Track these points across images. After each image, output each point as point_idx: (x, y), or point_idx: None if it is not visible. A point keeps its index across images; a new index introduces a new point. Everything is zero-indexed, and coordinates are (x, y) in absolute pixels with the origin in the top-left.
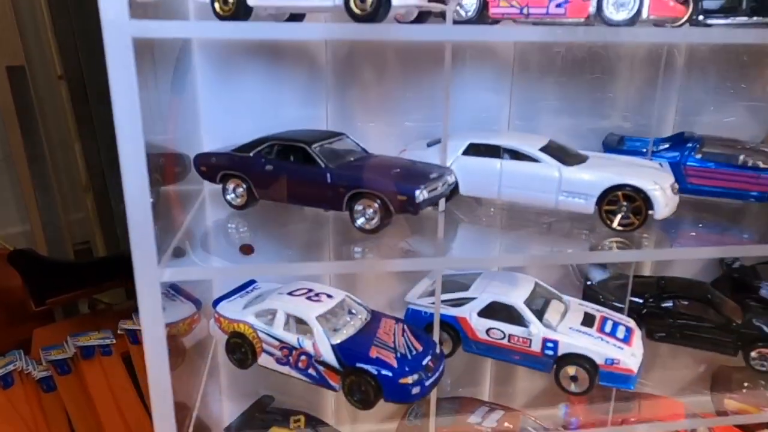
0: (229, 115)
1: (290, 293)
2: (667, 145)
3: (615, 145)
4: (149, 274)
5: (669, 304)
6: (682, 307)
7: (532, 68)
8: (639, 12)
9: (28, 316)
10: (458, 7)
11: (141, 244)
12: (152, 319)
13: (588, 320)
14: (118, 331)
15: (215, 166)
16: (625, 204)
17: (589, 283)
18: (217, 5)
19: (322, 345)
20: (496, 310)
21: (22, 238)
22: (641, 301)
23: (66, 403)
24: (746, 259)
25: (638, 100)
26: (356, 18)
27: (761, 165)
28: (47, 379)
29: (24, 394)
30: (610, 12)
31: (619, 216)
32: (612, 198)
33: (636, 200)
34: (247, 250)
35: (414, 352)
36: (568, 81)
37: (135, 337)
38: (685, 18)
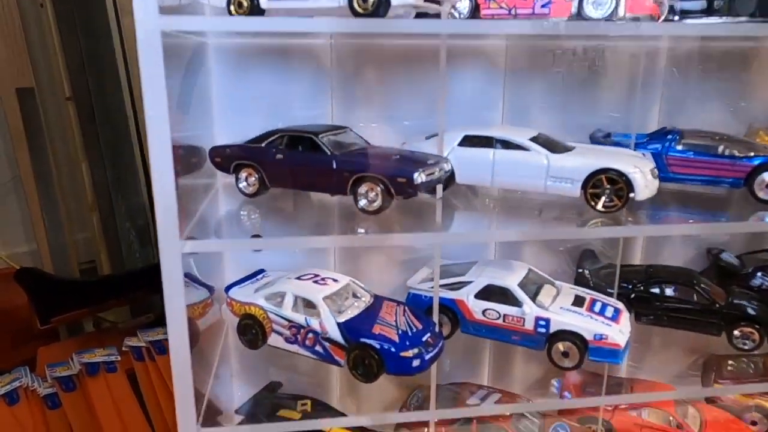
0: (240, 113)
1: (298, 278)
2: (649, 139)
3: (601, 140)
4: (172, 246)
5: (656, 289)
6: (668, 291)
7: (523, 69)
8: (615, 9)
9: (33, 335)
10: (452, 9)
11: (165, 219)
12: (174, 290)
13: (578, 301)
14: (123, 348)
15: (229, 157)
16: (608, 187)
17: (580, 270)
18: (232, 8)
19: (328, 323)
20: (491, 293)
21: (28, 258)
22: (630, 286)
23: (71, 420)
24: (732, 249)
25: (623, 100)
26: (358, 16)
27: (737, 153)
28: (52, 396)
29: (29, 411)
30: (589, 10)
31: (603, 198)
32: (596, 182)
33: (618, 183)
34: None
35: (414, 330)
36: (557, 81)
37: (140, 354)
38: (662, 18)
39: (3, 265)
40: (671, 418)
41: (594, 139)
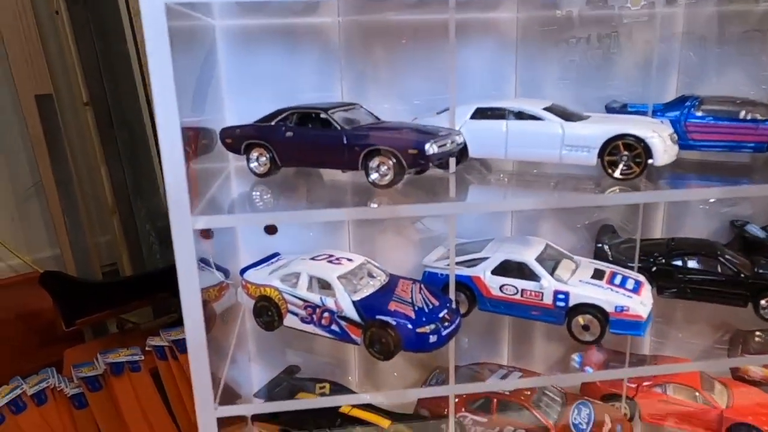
0: (250, 95)
1: (313, 258)
2: (667, 107)
3: (617, 111)
4: (184, 222)
5: (678, 261)
6: (691, 263)
7: (535, 44)
8: None
9: (58, 337)
10: None
11: (176, 195)
12: (187, 269)
13: (598, 274)
14: (146, 348)
15: (239, 137)
16: (626, 153)
17: (599, 245)
18: None
19: (344, 301)
20: (508, 268)
21: (52, 261)
22: (651, 260)
23: (97, 419)
24: (757, 222)
25: (639, 74)
26: None
27: (759, 117)
28: (79, 396)
29: (57, 411)
30: None
31: (620, 165)
32: (613, 149)
33: (636, 148)
34: (271, 229)
35: (431, 306)
36: (571, 55)
37: (163, 353)
38: None
39: (27, 269)
40: (697, 394)
41: (610, 110)
